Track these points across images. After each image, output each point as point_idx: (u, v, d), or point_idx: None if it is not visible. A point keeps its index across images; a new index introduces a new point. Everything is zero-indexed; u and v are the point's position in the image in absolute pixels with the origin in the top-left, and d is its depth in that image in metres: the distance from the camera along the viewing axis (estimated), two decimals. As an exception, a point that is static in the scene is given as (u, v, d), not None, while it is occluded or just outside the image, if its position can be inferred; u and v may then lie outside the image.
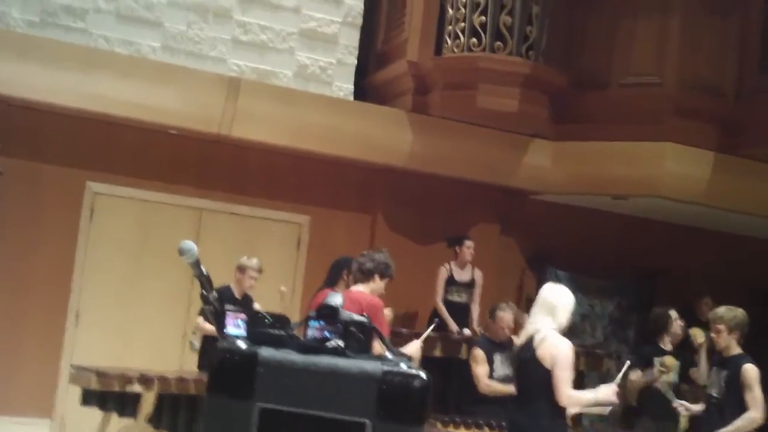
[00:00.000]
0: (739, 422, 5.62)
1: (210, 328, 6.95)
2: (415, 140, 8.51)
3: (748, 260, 9.91)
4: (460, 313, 8.45)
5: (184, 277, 8.29)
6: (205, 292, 2.93)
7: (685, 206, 8.95)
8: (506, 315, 7.13)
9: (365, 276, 5.49)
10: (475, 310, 8.60)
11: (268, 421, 2.20)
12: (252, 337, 2.39)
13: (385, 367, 2.26)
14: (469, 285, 8.59)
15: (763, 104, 8.25)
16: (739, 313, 5.95)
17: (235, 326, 2.64)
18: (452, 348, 8.17)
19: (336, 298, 2.56)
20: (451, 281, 8.51)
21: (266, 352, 2.27)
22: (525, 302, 9.74)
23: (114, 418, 6.31)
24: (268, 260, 7.72)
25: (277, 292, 7.24)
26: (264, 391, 2.21)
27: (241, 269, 7.16)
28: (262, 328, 2.40)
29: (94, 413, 7.30)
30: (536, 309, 5.09)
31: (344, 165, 8.62)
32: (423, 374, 2.26)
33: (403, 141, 8.51)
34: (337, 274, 6.59)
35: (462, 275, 8.56)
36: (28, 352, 7.72)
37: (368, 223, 9.05)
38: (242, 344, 2.31)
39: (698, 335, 7.20)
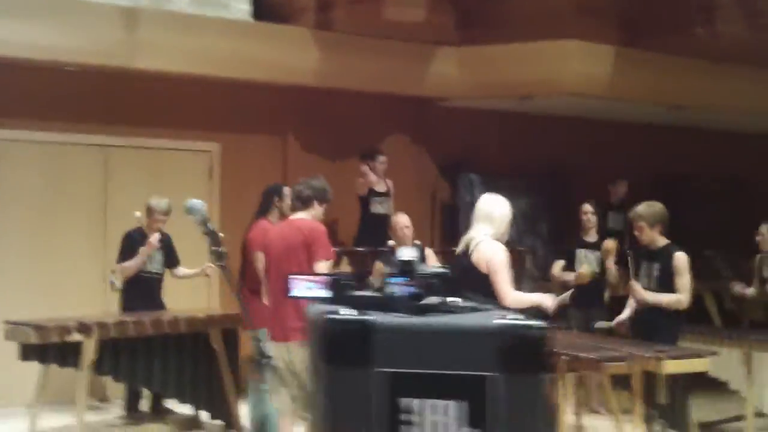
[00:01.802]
0: (666, 297, 5.85)
1: (131, 265, 6.86)
2: (320, 58, 8.36)
3: (653, 149, 10.24)
4: (383, 224, 8.52)
5: (97, 218, 8.12)
6: (215, 248, 2.86)
7: (590, 101, 9.12)
8: (400, 218, 7.23)
9: (304, 203, 5.46)
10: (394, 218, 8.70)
11: (387, 385, 2.20)
12: (349, 301, 2.36)
13: (502, 320, 2.26)
14: (387, 195, 8.67)
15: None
16: (657, 207, 6.12)
17: (306, 289, 2.56)
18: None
19: (410, 252, 2.55)
20: (372, 192, 8.58)
21: (379, 317, 2.25)
22: (440, 209, 9.89)
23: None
24: (181, 192, 7.53)
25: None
26: (381, 356, 2.20)
27: (149, 212, 7.01)
28: (349, 291, 2.38)
29: (24, 370, 7.18)
30: (475, 219, 5.19)
31: (250, 88, 8.42)
32: (540, 323, 2.27)
33: (307, 59, 8.34)
34: (268, 202, 6.56)
35: (380, 186, 8.64)
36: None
37: (279, 145, 8.94)
38: (353, 312, 2.27)
39: (609, 243, 7.45)
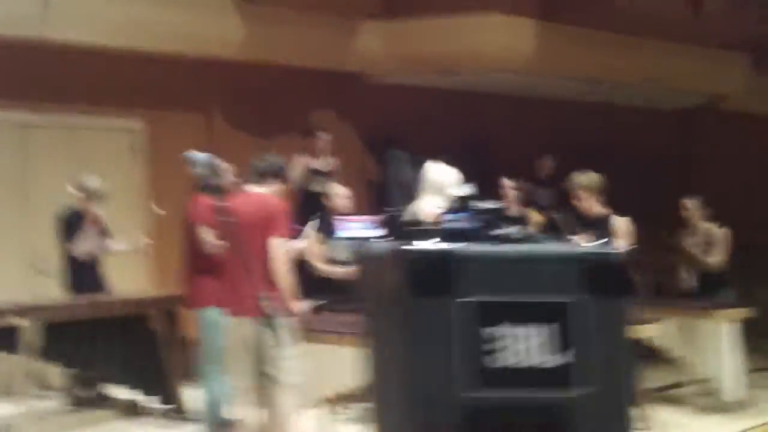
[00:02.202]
0: None
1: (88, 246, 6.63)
2: (244, 30, 8.17)
3: (575, 125, 10.40)
4: (320, 202, 8.45)
5: (18, 200, 7.81)
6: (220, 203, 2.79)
7: (514, 77, 9.20)
8: (339, 188, 7.23)
9: (262, 177, 5.33)
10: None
11: (470, 314, 2.19)
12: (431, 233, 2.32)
13: (582, 248, 2.27)
14: (328, 174, 8.58)
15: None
16: (593, 175, 6.22)
17: (347, 229, 2.50)
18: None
19: (464, 188, 2.52)
20: (314, 172, 8.48)
21: (460, 247, 2.25)
22: (366, 185, 9.85)
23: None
24: (104, 171, 7.34)
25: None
26: (463, 285, 2.20)
27: (83, 192, 6.77)
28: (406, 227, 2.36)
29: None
30: (424, 190, 5.10)
31: (173, 63, 8.18)
32: (621, 250, 2.28)
33: (230, 31, 8.13)
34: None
35: (320, 165, 8.54)
36: None
37: (204, 121, 8.77)
38: (436, 243, 2.26)
39: (534, 215, 7.52)
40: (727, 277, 7.48)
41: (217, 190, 6.20)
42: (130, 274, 7.88)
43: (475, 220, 2.47)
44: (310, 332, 5.40)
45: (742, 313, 6.82)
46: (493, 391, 2.20)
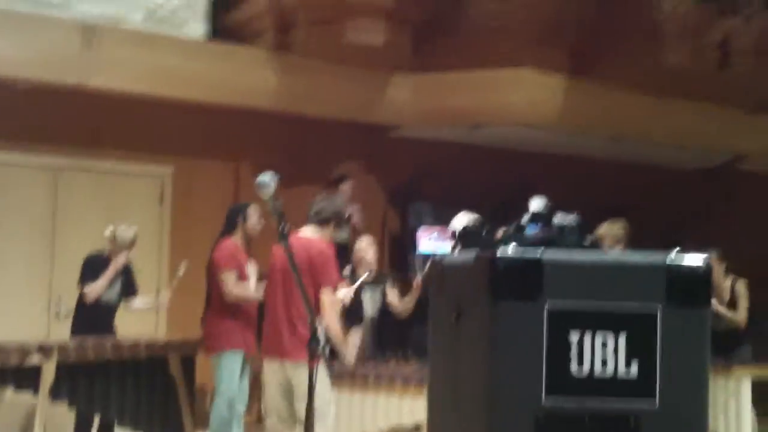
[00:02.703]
0: None
1: (102, 284, 6.57)
2: (276, 80, 8.29)
3: (595, 182, 10.41)
4: (342, 252, 8.43)
5: (45, 241, 7.83)
6: (281, 229, 2.80)
7: (540, 132, 9.25)
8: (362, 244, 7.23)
9: (322, 222, 5.22)
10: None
11: (556, 319, 2.22)
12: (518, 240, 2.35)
13: (669, 258, 2.29)
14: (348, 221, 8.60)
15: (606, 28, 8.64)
16: (621, 224, 6.27)
17: (428, 239, 2.54)
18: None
19: (540, 203, 2.56)
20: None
21: (549, 254, 2.27)
22: (388, 238, 9.85)
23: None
24: (131, 216, 7.38)
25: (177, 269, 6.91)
26: (550, 290, 2.22)
27: (113, 241, 6.75)
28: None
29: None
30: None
31: (204, 111, 8.26)
32: (704, 260, 2.31)
33: (263, 81, 8.26)
34: (233, 222, 6.38)
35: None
36: None
37: (232, 170, 8.81)
38: (522, 249, 2.29)
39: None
40: (744, 335, 7.43)
41: (246, 235, 6.25)
42: (145, 320, 7.86)
43: (553, 231, 2.46)
44: (349, 379, 5.35)
45: (763, 369, 6.79)
46: (578, 399, 2.17)
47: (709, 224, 11.05)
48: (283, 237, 2.88)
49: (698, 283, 2.27)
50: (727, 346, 7.26)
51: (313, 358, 2.94)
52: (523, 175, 10.05)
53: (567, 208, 8.82)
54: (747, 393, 6.67)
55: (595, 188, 10.49)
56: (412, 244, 9.15)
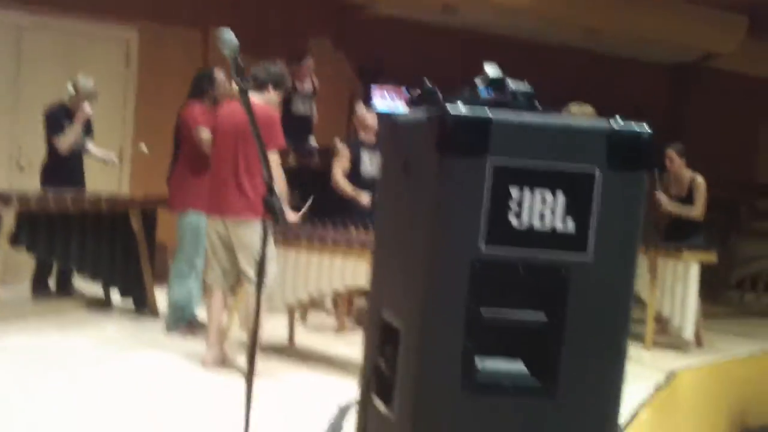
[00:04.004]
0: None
1: (70, 137, 6.62)
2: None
3: (567, 73, 10.43)
4: (303, 124, 8.51)
5: (9, 98, 7.77)
6: (240, 80, 2.82)
7: (512, 19, 9.21)
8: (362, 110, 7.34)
9: (259, 86, 5.26)
10: (314, 119, 8.74)
11: (500, 178, 2.28)
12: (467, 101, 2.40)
13: (612, 123, 2.37)
14: (311, 95, 8.62)
15: None
16: (584, 108, 6.31)
17: (382, 98, 2.56)
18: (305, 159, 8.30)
19: (496, 69, 2.59)
20: (295, 92, 8.52)
21: (498, 114, 2.33)
22: (355, 114, 9.87)
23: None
24: (97, 78, 7.33)
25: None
26: (497, 148, 2.28)
27: (76, 92, 6.77)
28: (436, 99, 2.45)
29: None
30: None
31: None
32: (647, 128, 2.39)
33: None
34: (199, 87, 6.36)
35: (303, 87, 8.56)
36: None
37: (200, 38, 8.71)
38: (472, 108, 2.34)
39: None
40: (699, 225, 7.66)
41: (213, 99, 6.29)
42: (109, 176, 7.93)
43: (505, 95, 2.52)
44: (293, 239, 5.49)
45: (710, 256, 7.03)
46: (515, 249, 2.27)
47: (674, 119, 11.20)
48: (243, 93, 2.91)
49: (638, 149, 2.34)
50: (682, 234, 7.52)
51: (267, 212, 3.00)
52: (492, 61, 10.05)
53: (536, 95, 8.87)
54: (695, 276, 6.91)
55: (566, 78, 10.52)
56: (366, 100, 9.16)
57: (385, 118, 2.85)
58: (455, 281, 2.25)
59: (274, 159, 5.06)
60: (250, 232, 5.11)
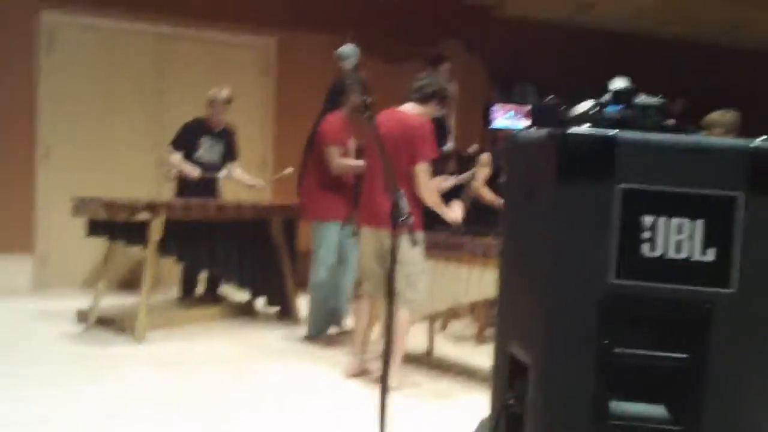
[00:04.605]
0: None
1: (177, 163, 6.81)
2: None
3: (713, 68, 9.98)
4: (439, 127, 8.44)
5: (150, 106, 8.04)
6: (363, 97, 2.78)
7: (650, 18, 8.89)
8: None
9: (424, 99, 5.18)
10: (452, 122, 8.66)
11: (629, 201, 2.14)
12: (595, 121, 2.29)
13: (754, 142, 2.17)
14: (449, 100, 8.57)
15: None
16: (733, 114, 6.05)
17: (505, 117, 2.49)
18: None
19: (625, 82, 2.45)
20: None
21: (624, 134, 2.17)
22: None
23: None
24: (237, 86, 7.49)
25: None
26: (623, 171, 2.13)
27: (210, 103, 6.91)
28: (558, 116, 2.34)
29: (74, 247, 7.19)
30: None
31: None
32: None
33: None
34: (336, 96, 6.37)
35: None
36: (1, 191, 7.47)
37: (337, 44, 8.75)
38: (594, 129, 2.19)
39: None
40: None
41: (363, 88, 6.23)
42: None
43: (634, 111, 2.36)
44: (431, 248, 5.41)
45: None
46: (647, 281, 2.13)
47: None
48: (367, 109, 2.85)
49: None
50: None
51: (395, 227, 2.95)
52: (631, 59, 9.73)
53: (673, 94, 8.52)
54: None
55: (709, 76, 10.09)
56: (486, 120, 9.01)
57: (508, 137, 2.72)
58: (583, 317, 2.12)
59: (424, 169, 5.01)
60: (403, 245, 5.04)
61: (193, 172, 6.79)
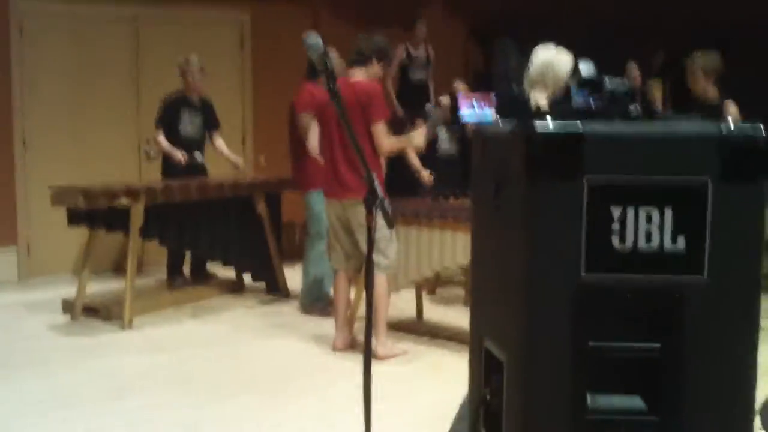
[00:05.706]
0: None
1: (166, 146, 6.76)
2: None
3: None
4: (420, 91, 8.43)
5: (127, 89, 7.96)
6: (331, 86, 2.73)
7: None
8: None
9: (363, 60, 5.24)
10: (431, 87, 8.65)
11: (599, 198, 2.11)
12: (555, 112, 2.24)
13: (722, 127, 2.13)
14: (426, 62, 8.51)
15: None
16: (714, 56, 5.96)
17: (469, 107, 2.42)
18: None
19: (591, 68, 2.40)
20: (410, 59, 8.45)
21: (588, 126, 2.12)
22: (472, 76, 9.66)
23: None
24: (214, 63, 7.42)
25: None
26: (593, 166, 2.09)
27: (183, 72, 6.83)
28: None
29: (58, 236, 7.17)
30: (534, 77, 4.81)
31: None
32: (762, 131, 2.13)
33: None
34: (312, 69, 6.32)
35: (417, 53, 8.46)
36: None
37: (310, 14, 8.69)
38: (562, 123, 2.12)
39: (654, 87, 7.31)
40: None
41: (330, 76, 6.19)
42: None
43: (600, 100, 2.33)
44: (413, 216, 5.42)
45: None
46: (619, 272, 2.12)
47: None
48: (334, 95, 2.82)
49: (754, 155, 2.10)
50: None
51: (370, 212, 2.92)
52: (610, 13, 9.63)
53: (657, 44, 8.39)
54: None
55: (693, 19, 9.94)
56: (495, 85, 8.92)
57: (475, 130, 2.68)
58: (556, 311, 2.12)
59: (381, 129, 5.09)
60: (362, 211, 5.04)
61: (180, 156, 6.73)
